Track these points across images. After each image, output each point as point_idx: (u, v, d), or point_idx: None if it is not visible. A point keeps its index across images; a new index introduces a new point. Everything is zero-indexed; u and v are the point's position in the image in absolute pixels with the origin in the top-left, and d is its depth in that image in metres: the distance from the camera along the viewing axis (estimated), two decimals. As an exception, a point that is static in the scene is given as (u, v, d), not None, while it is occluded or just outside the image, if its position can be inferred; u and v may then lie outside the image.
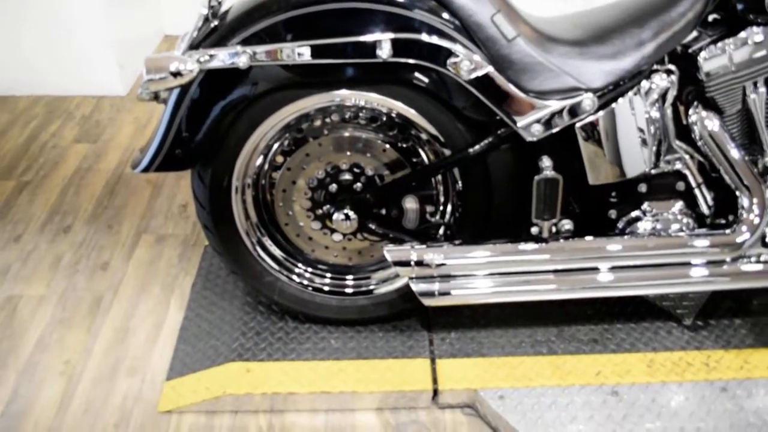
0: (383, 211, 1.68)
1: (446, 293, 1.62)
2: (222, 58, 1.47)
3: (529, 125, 1.50)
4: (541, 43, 1.48)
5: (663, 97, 1.58)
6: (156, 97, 1.56)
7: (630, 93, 1.54)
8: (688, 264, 1.66)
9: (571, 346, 1.83)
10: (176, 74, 1.46)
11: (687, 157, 1.64)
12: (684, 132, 1.63)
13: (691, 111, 1.61)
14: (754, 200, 1.61)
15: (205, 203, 1.69)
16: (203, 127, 1.56)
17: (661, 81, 1.54)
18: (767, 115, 1.63)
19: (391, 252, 1.60)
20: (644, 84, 1.54)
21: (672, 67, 1.58)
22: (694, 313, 1.86)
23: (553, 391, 1.72)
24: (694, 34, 1.60)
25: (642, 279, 1.67)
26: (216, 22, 1.54)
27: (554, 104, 1.50)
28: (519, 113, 1.50)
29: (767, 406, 1.71)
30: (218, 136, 1.59)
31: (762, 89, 1.59)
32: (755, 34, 1.53)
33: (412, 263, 1.59)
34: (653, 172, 1.64)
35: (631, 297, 1.82)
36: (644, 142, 1.59)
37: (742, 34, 1.53)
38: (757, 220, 1.62)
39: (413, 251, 1.59)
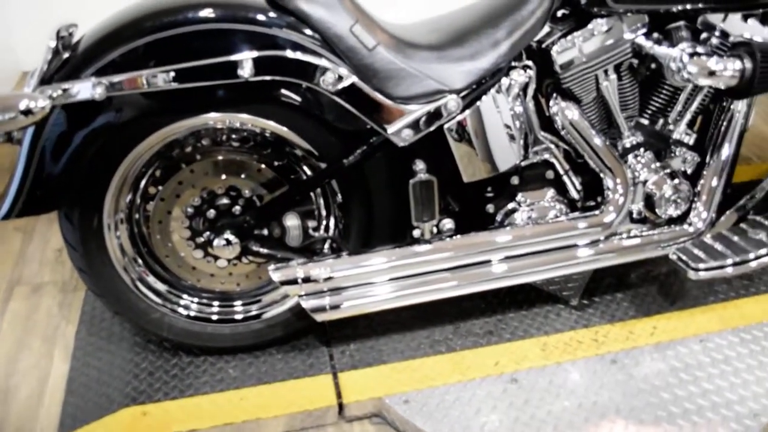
0: (265, 232, 1.66)
1: (338, 306, 1.62)
2: (76, 91, 1.40)
3: (399, 131, 1.53)
4: (402, 50, 1.50)
5: (524, 91, 1.65)
6: (10, 138, 1.46)
7: (492, 90, 1.60)
8: (565, 247, 1.74)
9: (469, 341, 1.87)
10: (27, 112, 1.37)
11: (553, 146, 1.72)
12: (547, 123, 1.71)
13: (551, 102, 1.69)
14: (618, 181, 1.71)
15: (77, 245, 1.60)
16: (64, 164, 1.48)
17: (519, 77, 1.61)
18: (621, 100, 1.74)
19: (276, 272, 1.57)
20: (504, 81, 1.60)
21: (529, 62, 1.65)
22: (579, 293, 1.95)
23: (456, 387, 1.74)
24: (547, 29, 1.68)
25: (525, 267, 1.73)
26: (67, 54, 1.47)
27: (421, 108, 1.52)
28: (388, 120, 1.52)
29: (654, 372, 1.81)
30: (82, 172, 1.51)
31: (613, 76, 1.69)
32: (600, 25, 1.62)
33: (300, 281, 1.57)
34: (523, 164, 1.71)
35: (520, 285, 1.88)
36: (512, 136, 1.65)
37: (589, 26, 1.63)
38: (622, 200, 1.71)
39: (299, 268, 1.57)
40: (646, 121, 1.80)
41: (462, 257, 1.66)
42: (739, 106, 1.80)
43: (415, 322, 1.90)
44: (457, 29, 1.58)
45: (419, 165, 1.58)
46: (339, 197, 1.65)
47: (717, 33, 1.68)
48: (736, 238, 1.76)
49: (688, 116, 1.77)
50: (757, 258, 1.73)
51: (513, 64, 1.62)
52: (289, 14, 1.46)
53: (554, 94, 1.69)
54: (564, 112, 1.68)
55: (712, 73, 1.59)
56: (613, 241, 1.77)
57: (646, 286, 2.07)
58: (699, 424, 1.70)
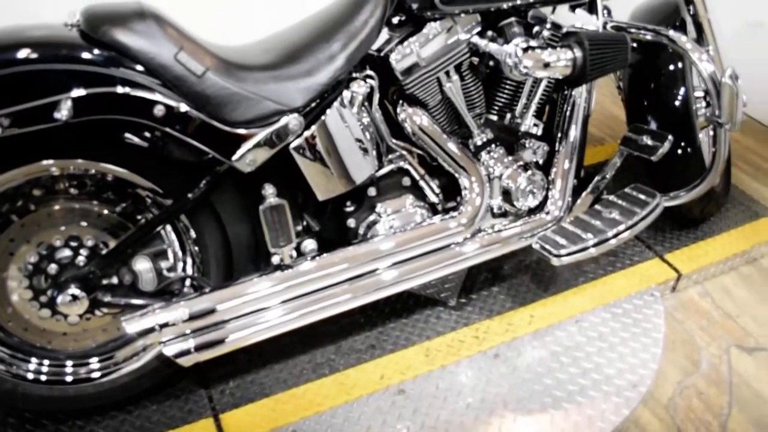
0: (115, 280, 1.55)
1: (204, 346, 1.52)
2: None
3: (243, 157, 1.46)
4: (234, 73, 1.44)
5: (369, 101, 1.63)
6: None
7: (336, 104, 1.56)
8: (433, 251, 1.74)
9: (352, 359, 1.83)
10: None
11: (406, 153, 1.71)
12: (398, 130, 1.70)
13: (398, 110, 1.68)
14: (473, 179, 1.72)
15: None
16: None
17: (361, 87, 1.58)
18: (467, 99, 1.75)
19: (130, 323, 1.47)
20: (346, 93, 1.58)
21: (370, 72, 1.63)
22: (456, 293, 1.96)
23: (343, 408, 1.71)
24: (385, 37, 1.67)
25: (396, 277, 1.70)
26: None
27: (261, 131, 1.47)
28: (229, 147, 1.45)
29: (535, 360, 1.85)
30: None
31: (455, 77, 1.70)
32: (434, 28, 1.63)
33: (157, 327, 1.48)
34: (379, 174, 1.69)
35: (397, 294, 1.86)
36: (363, 148, 1.62)
37: (424, 31, 1.63)
38: (479, 197, 1.73)
39: (154, 315, 1.48)
40: (494, 117, 1.83)
41: (328, 276, 1.62)
42: (580, 92, 1.87)
43: (294, 347, 1.84)
44: (291, 46, 1.54)
45: (269, 189, 1.53)
46: (192, 232, 1.57)
47: (548, 25, 1.73)
48: (592, 221, 1.82)
49: (532, 108, 1.82)
50: (615, 236, 1.79)
51: (354, 75, 1.60)
52: (107, 48, 1.36)
53: (400, 101, 1.68)
54: (412, 117, 1.67)
55: (546, 65, 1.63)
56: (477, 238, 1.78)
57: (520, 276, 2.11)
58: (583, 404, 1.74)
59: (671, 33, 1.83)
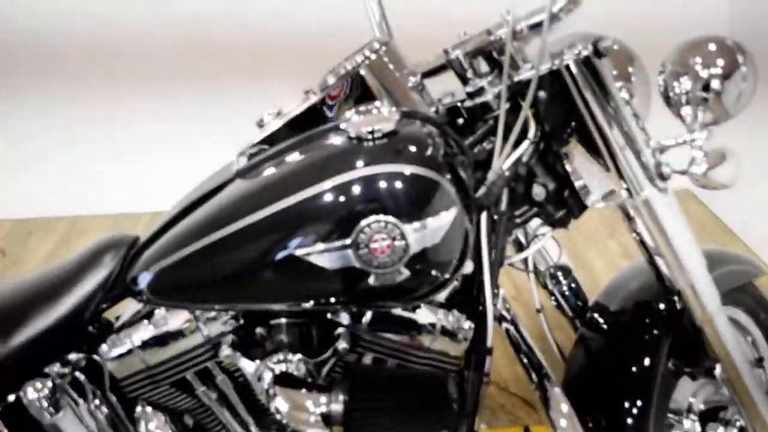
0: None
1: None
2: None
3: None
4: None
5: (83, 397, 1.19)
6: None
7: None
8: None
9: None
10: None
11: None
12: None
13: (137, 411, 1.21)
14: None
15: None
16: None
17: (43, 389, 1.14)
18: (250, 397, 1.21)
19: None
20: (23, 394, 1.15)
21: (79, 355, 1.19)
22: None
23: None
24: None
25: None
26: None
27: None
28: None
29: None
30: None
31: (221, 377, 1.17)
32: (163, 318, 1.13)
33: None
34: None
35: None
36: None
37: (147, 322, 1.14)
38: None
39: None
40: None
41: None
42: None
43: None
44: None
45: None
46: None
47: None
48: None
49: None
50: None
51: (58, 368, 1.17)
52: None
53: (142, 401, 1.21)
54: (147, 425, 1.19)
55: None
56: None
57: None
58: None
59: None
